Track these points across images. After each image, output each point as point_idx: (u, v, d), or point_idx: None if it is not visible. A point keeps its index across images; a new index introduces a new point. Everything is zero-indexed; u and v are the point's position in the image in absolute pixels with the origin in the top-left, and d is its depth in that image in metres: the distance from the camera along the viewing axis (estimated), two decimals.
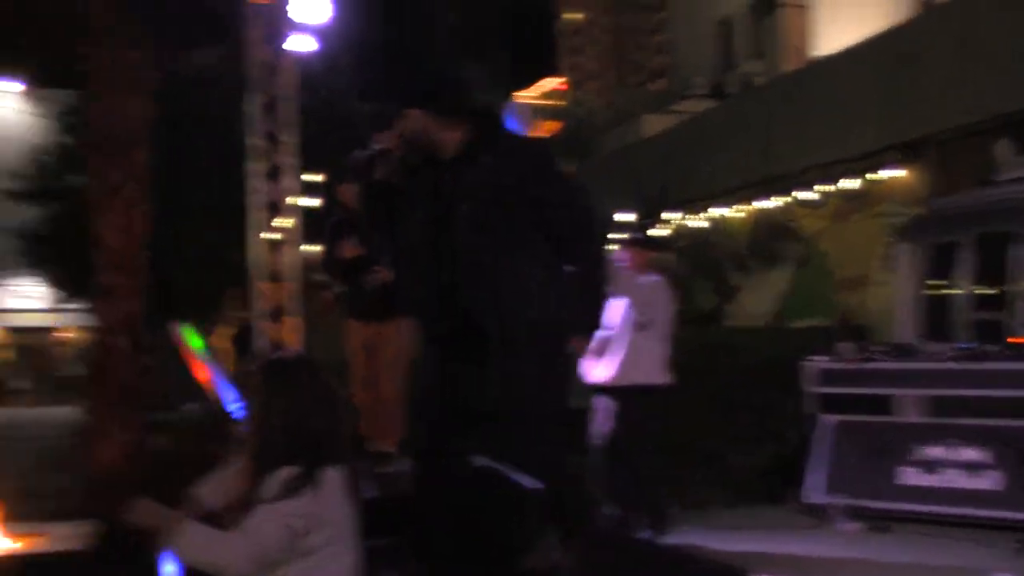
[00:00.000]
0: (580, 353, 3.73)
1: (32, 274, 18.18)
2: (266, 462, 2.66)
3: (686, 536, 6.13)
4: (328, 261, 6.51)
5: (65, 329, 28.97)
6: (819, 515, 6.71)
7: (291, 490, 2.59)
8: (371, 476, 5.42)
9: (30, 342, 30.11)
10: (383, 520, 3.03)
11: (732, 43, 25.39)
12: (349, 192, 6.28)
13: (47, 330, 29.20)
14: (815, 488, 6.82)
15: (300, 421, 2.69)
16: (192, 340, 3.54)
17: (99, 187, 8.51)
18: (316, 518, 2.61)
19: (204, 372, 3.45)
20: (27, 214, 16.89)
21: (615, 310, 5.99)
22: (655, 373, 6.21)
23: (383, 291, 6.02)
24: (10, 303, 26.23)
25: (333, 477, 2.68)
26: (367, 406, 6.30)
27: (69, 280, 16.05)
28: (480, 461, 3.63)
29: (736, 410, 7.54)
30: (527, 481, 3.68)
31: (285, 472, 2.61)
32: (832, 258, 13.22)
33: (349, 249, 6.05)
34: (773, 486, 7.35)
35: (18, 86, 27.01)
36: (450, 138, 3.54)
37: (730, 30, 25.50)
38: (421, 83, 3.80)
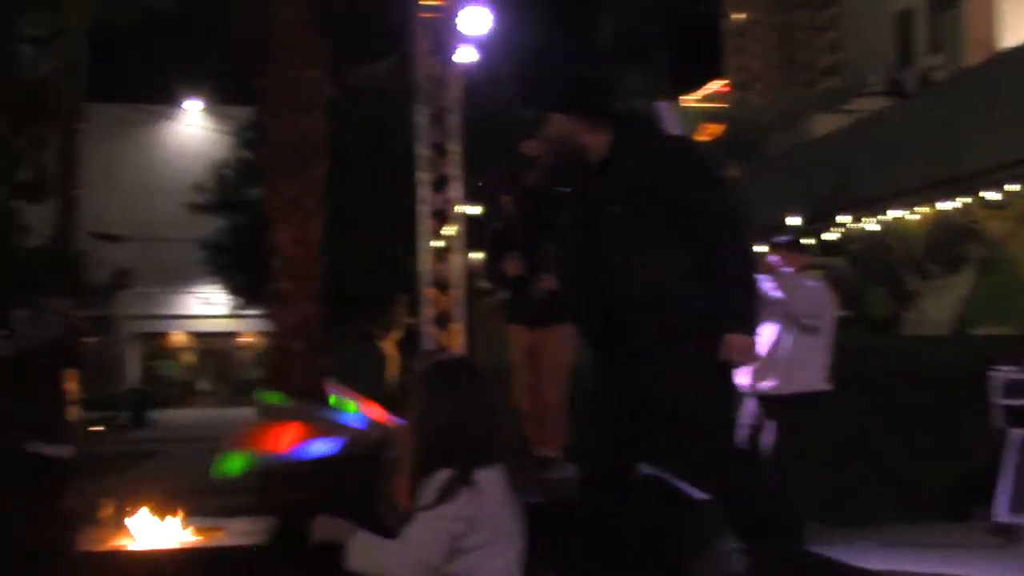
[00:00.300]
0: (740, 354, 3.49)
1: (214, 282, 19.18)
2: (425, 465, 2.70)
3: (862, 552, 5.87)
4: (491, 271, 6.55)
5: (246, 334, 30.50)
6: (1007, 535, 6.28)
7: (447, 494, 2.62)
8: (535, 481, 5.42)
9: (214, 347, 31.82)
10: (546, 525, 3.01)
11: (910, 37, 24.29)
12: (511, 202, 6.30)
13: (230, 335, 30.78)
14: (1002, 506, 6.40)
15: (460, 423, 2.72)
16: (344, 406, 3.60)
17: (277, 199, 8.91)
18: (473, 520, 2.63)
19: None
20: (210, 225, 17.85)
21: (772, 314, 5.74)
22: (819, 380, 5.94)
23: (548, 298, 6.02)
24: (195, 309, 27.75)
25: (490, 479, 2.69)
26: (531, 412, 6.31)
27: (247, 287, 16.85)
28: (647, 470, 3.58)
29: (917, 422, 7.15)
30: (694, 491, 3.60)
31: (442, 475, 2.65)
32: (1020, 262, 12.41)
33: (512, 267, 6.05)
34: (957, 503, 6.95)
35: (200, 104, 28.83)
36: (595, 141, 3.53)
37: (908, 24, 24.41)
38: (565, 88, 3.85)
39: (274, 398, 3.53)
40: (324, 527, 2.77)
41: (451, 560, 2.63)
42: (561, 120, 3.58)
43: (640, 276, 3.45)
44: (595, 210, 3.50)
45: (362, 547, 2.66)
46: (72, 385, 4.67)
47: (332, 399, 3.66)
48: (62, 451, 3.68)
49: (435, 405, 2.76)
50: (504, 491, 2.72)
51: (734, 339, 3.41)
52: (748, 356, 3.51)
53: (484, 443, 2.73)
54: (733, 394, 3.90)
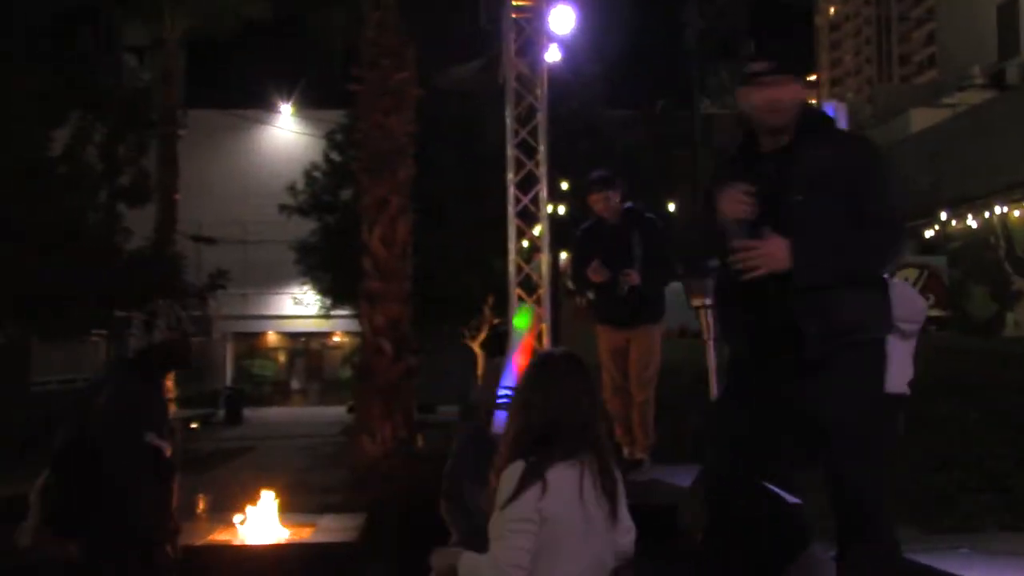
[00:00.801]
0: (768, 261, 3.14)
1: (305, 283, 19.51)
2: (511, 454, 2.73)
3: (965, 560, 5.66)
4: (576, 273, 6.52)
5: (337, 334, 31.01)
6: None
7: (519, 490, 2.63)
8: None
9: (305, 346, 32.43)
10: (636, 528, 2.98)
11: (1013, 28, 23.45)
12: (599, 201, 6.26)
13: (321, 335, 31.33)
14: None
15: (554, 417, 2.74)
16: (520, 321, 3.63)
17: (366, 200, 9.04)
18: (542, 515, 2.63)
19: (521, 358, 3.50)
20: (301, 228, 18.17)
21: None
22: (903, 384, 5.78)
23: (635, 297, 5.96)
24: (288, 310, 28.31)
25: (564, 476, 2.67)
26: (618, 412, 6.27)
27: (337, 288, 17.09)
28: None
29: (1020, 427, 6.88)
30: (789, 496, 3.52)
31: (515, 469, 2.67)
32: None
33: (595, 274, 6.01)
34: None
35: (291, 108, 29.41)
36: (789, 118, 3.28)
37: (1012, 15, 23.56)
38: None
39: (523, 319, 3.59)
40: (440, 558, 2.93)
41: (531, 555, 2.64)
42: (791, 84, 3.28)
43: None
44: (770, 201, 3.20)
45: (465, 566, 2.75)
46: (168, 383, 4.81)
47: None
48: (167, 445, 3.84)
49: (533, 396, 2.79)
50: (579, 489, 2.69)
51: (778, 248, 3.11)
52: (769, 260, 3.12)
53: (571, 437, 2.73)
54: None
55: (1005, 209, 13.67)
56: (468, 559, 2.76)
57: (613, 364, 6.24)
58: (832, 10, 75.37)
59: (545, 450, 2.69)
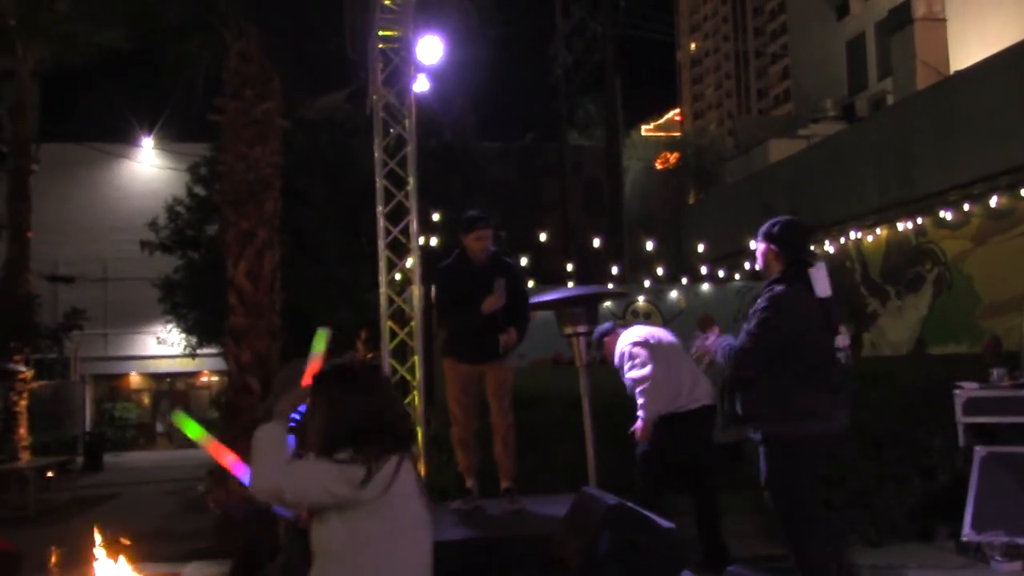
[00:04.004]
0: None
1: (169, 321, 18.89)
2: (326, 447, 2.77)
3: None
4: (447, 307, 6.30)
5: (204, 373, 30.09)
6: (973, 553, 6.24)
7: (345, 462, 2.70)
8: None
9: (173, 387, 31.35)
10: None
11: (862, 63, 24.71)
12: (481, 240, 6.05)
13: (187, 375, 30.35)
14: (968, 524, 6.36)
15: (372, 416, 2.80)
16: (317, 344, 3.54)
17: (230, 233, 8.77)
18: (362, 495, 2.67)
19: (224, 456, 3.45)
20: (165, 264, 17.59)
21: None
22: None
23: (493, 336, 5.85)
24: (151, 350, 27.35)
25: (393, 466, 2.72)
26: (470, 444, 6.13)
27: (203, 326, 16.60)
28: (608, 498, 3.54)
29: (880, 444, 7.12)
30: (661, 520, 3.55)
31: (343, 453, 2.72)
32: (978, 281, 12.53)
33: (495, 301, 5.85)
34: (923, 523, 6.91)
35: (152, 141, 28.54)
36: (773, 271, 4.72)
37: (859, 50, 24.83)
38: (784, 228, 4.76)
39: (191, 428, 3.43)
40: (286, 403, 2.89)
41: (356, 550, 2.65)
42: (768, 249, 4.70)
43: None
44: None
45: (270, 433, 2.77)
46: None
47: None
48: None
49: (348, 400, 2.81)
50: (409, 484, 2.74)
51: None
52: None
53: (389, 434, 2.79)
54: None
55: (859, 235, 14.29)
56: (278, 434, 2.77)
57: (466, 396, 6.10)
58: (693, 46, 78.11)
59: (368, 444, 2.72)
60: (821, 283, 4.50)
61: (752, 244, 13.93)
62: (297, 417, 3.08)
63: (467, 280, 5.94)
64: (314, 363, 3.34)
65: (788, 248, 4.64)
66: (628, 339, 6.24)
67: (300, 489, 2.68)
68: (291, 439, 3.06)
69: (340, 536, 2.68)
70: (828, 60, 26.17)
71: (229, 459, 3.35)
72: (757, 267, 4.95)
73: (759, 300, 4.63)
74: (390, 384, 3.06)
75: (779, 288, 4.56)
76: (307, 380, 3.08)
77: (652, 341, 6.18)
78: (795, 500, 4.53)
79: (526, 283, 6.28)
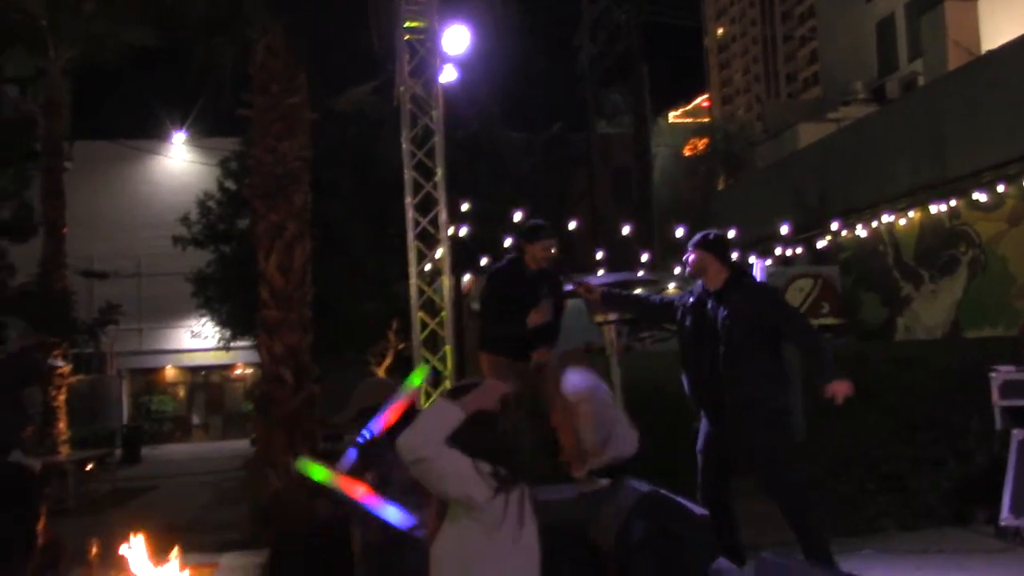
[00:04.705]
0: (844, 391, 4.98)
1: (203, 315, 19.05)
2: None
3: (866, 561, 5.77)
4: (501, 314, 6.26)
5: (238, 366, 30.35)
6: (1011, 538, 6.19)
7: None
8: None
9: (205, 380, 31.65)
10: None
11: (892, 45, 24.42)
12: (546, 250, 6.02)
13: (221, 368, 30.63)
14: (1006, 509, 6.30)
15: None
16: (415, 379, 3.57)
17: (260, 227, 8.83)
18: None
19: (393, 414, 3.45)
20: (198, 259, 17.74)
21: None
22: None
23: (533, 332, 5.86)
24: (186, 343, 27.60)
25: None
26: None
27: (236, 319, 16.74)
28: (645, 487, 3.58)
29: (915, 427, 7.07)
30: (695, 507, 3.56)
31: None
32: (1013, 263, 12.36)
33: (538, 315, 5.85)
34: (959, 507, 6.86)
35: (183, 136, 28.75)
36: (718, 275, 5.34)
37: (889, 31, 24.54)
38: (715, 238, 5.46)
39: (317, 472, 3.49)
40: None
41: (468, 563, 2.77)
42: (706, 256, 5.35)
43: (739, 368, 5.10)
44: (711, 321, 5.25)
45: (446, 411, 2.87)
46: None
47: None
48: (33, 463, 3.67)
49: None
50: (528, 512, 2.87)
51: (835, 385, 4.95)
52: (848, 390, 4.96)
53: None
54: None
55: (891, 218, 14.13)
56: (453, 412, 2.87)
57: (502, 379, 6.09)
58: (720, 31, 77.52)
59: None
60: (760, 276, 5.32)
61: (783, 229, 13.81)
62: (368, 436, 3.12)
63: (519, 287, 5.96)
64: (407, 398, 3.39)
65: (725, 253, 5.43)
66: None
67: (441, 468, 2.75)
68: (352, 452, 3.11)
69: (463, 548, 2.77)
70: (857, 42, 25.89)
71: (360, 491, 3.39)
72: (687, 273, 5.69)
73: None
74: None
75: (758, 279, 5.69)
76: (394, 416, 3.14)
77: None
78: (798, 469, 5.18)
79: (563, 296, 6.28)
